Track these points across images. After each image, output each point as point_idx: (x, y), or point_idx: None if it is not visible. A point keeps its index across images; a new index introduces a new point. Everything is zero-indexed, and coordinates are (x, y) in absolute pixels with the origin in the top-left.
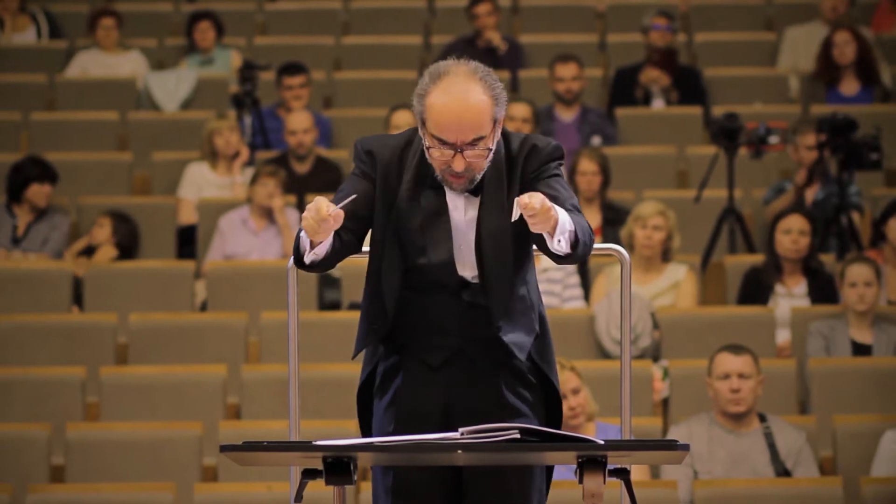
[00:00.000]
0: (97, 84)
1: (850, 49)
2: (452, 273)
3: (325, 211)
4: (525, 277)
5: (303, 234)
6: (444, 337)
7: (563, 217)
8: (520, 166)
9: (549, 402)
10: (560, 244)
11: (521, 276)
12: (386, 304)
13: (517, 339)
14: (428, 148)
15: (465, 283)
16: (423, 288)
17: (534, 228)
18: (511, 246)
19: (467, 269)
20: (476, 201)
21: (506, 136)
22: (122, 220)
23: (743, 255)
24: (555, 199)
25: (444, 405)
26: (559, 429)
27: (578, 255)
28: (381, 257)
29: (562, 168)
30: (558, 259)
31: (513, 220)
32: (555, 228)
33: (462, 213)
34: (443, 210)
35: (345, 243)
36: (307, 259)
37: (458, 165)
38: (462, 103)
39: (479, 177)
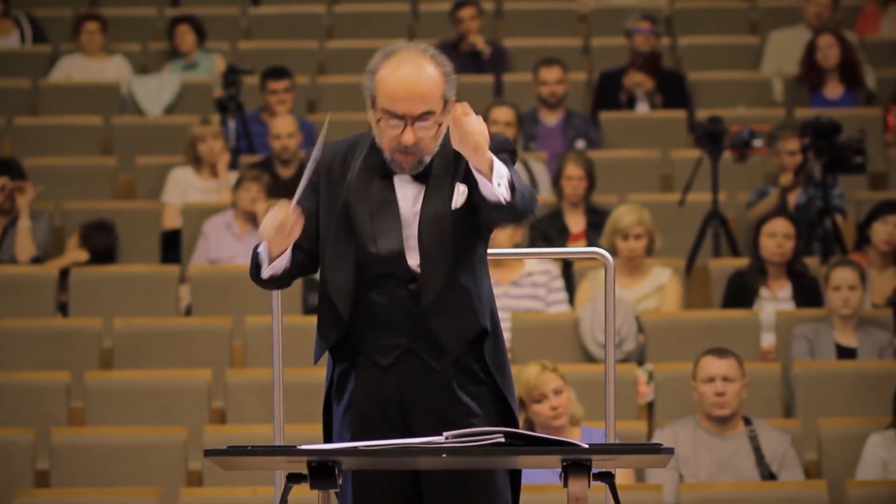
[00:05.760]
0: (81, 89)
1: (834, 52)
2: (402, 263)
3: (284, 213)
4: (472, 267)
5: (260, 248)
6: (393, 334)
7: (500, 165)
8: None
9: (501, 402)
10: (500, 188)
11: (464, 266)
12: (338, 305)
13: (450, 331)
14: (378, 121)
15: (414, 274)
16: (374, 282)
17: (463, 147)
18: (450, 232)
19: (415, 258)
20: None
21: None
22: (93, 229)
23: (727, 258)
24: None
25: (399, 406)
26: (515, 428)
27: (519, 207)
28: (331, 255)
29: (513, 163)
30: (499, 212)
31: (454, 207)
32: (491, 170)
33: (410, 202)
34: (391, 199)
35: (300, 263)
36: (265, 274)
37: (408, 139)
38: (413, 74)
39: (427, 159)
